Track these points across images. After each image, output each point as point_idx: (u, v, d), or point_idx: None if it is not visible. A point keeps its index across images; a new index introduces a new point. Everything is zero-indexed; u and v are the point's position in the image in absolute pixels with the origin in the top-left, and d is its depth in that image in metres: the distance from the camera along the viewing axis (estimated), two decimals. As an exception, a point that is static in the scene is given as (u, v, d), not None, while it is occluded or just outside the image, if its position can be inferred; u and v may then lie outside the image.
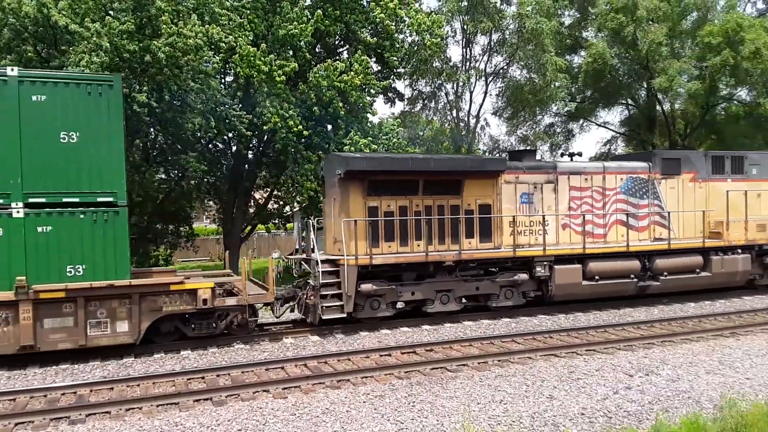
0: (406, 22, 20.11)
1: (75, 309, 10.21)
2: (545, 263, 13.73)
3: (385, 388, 8.58)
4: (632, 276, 14.50)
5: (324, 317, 12.14)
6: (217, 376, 9.36)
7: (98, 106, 10.47)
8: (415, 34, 20.65)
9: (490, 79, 27.72)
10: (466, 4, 24.93)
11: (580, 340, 11.36)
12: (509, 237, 13.72)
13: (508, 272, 13.69)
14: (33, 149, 10.04)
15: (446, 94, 27.81)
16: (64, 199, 10.21)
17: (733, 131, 28.37)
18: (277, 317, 13.05)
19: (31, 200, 10.01)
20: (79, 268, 10.24)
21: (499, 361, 9.97)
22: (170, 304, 11.01)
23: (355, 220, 12.42)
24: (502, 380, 8.88)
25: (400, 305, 13.25)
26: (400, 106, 29.78)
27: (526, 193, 14.24)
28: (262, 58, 16.44)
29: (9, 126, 9.92)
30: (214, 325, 11.54)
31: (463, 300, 13.67)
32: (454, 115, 28.04)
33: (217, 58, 16.90)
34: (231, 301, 11.56)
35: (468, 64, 27.13)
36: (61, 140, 10.21)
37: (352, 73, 17.64)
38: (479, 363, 9.85)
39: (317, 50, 20.32)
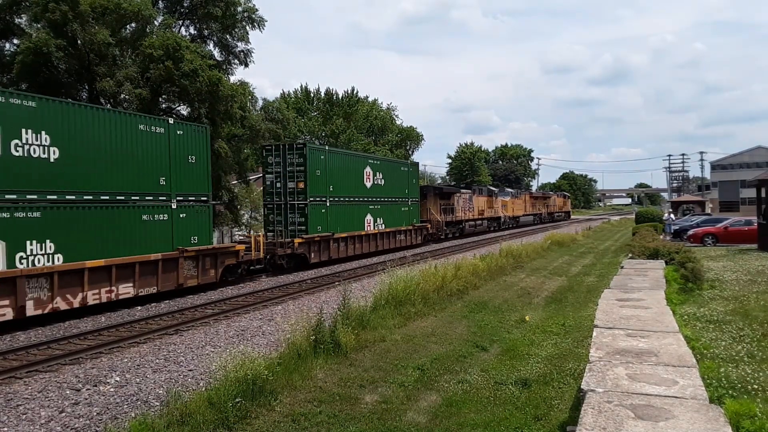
0: None
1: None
2: (468, 220, 43.12)
3: None
4: (478, 225, 45.30)
5: (442, 238, 38.15)
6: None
7: (413, 173, 34.13)
8: None
9: None
10: None
11: (20, 362, 10.10)
12: (460, 214, 41.20)
13: (459, 225, 41.45)
14: (390, 187, 30.54)
15: None
16: (397, 200, 31.41)
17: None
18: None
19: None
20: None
21: None
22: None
23: (439, 207, 37.51)
24: None
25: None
26: None
27: (459, 201, 41.06)
28: None
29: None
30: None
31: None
32: None
33: None
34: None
35: None
36: (403, 185, 32.18)
37: None
38: None
39: None
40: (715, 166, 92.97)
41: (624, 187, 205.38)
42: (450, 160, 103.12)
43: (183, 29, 32.70)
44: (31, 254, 12.85)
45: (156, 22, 28.88)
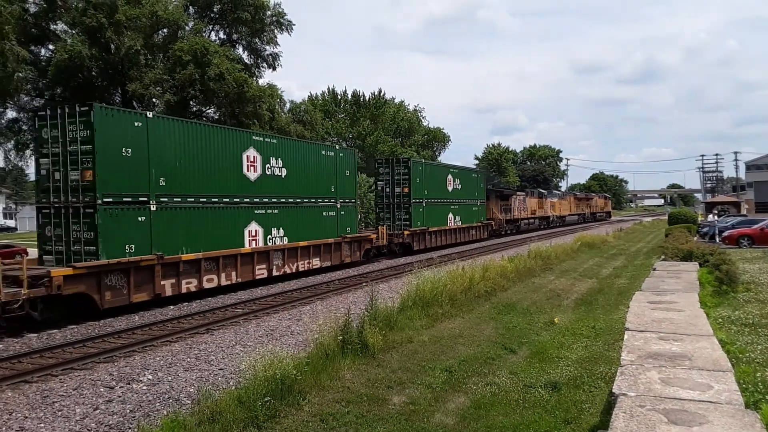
0: None
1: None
2: (522, 219, 48.92)
3: None
4: (531, 223, 51.54)
5: (502, 234, 44.34)
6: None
7: (481, 179, 41.14)
8: None
9: None
10: None
11: (56, 359, 10.37)
12: (516, 213, 47.24)
13: (516, 222, 47.58)
14: (464, 190, 37.08)
15: None
16: (469, 202, 37.63)
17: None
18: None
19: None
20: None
21: (-52, 404, 8.14)
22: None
23: (500, 207, 43.91)
24: (-47, 427, 7.27)
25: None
26: None
27: (515, 201, 47.26)
28: None
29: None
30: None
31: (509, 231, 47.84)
32: None
33: None
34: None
35: None
36: (474, 189, 38.81)
37: None
38: None
39: None
40: (750, 166, 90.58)
41: (656, 188, 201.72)
42: (477, 161, 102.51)
43: (213, 34, 33.17)
44: (274, 236, 19.68)
45: (187, 28, 29.35)
